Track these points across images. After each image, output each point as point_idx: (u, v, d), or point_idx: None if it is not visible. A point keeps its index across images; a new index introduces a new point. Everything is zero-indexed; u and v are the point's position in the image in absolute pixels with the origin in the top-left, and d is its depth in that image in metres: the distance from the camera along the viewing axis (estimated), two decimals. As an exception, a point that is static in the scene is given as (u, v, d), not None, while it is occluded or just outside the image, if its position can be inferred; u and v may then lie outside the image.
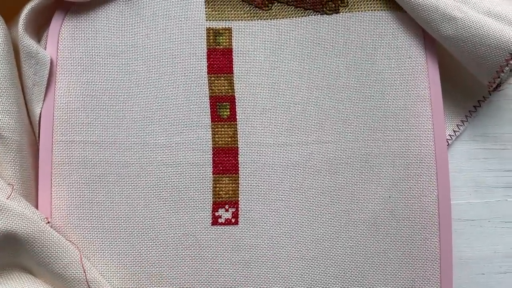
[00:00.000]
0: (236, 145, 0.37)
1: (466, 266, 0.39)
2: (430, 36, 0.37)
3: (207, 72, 0.37)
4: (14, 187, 0.33)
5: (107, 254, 0.35)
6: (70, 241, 0.34)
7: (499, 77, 0.35)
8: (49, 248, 0.32)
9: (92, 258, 0.35)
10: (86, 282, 0.32)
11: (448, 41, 0.36)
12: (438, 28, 0.35)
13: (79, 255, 0.33)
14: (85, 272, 0.33)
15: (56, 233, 0.33)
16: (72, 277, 0.32)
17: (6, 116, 0.34)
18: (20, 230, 0.31)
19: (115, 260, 0.35)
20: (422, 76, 0.37)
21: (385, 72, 0.37)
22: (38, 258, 0.32)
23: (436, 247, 0.36)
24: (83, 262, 0.33)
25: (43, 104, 0.36)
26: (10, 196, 0.32)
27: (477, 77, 0.37)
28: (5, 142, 0.34)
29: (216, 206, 0.36)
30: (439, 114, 0.37)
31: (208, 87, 0.37)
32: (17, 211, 0.32)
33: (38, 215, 0.33)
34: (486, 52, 0.35)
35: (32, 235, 0.32)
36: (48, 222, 0.34)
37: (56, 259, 0.32)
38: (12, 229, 0.31)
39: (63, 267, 0.32)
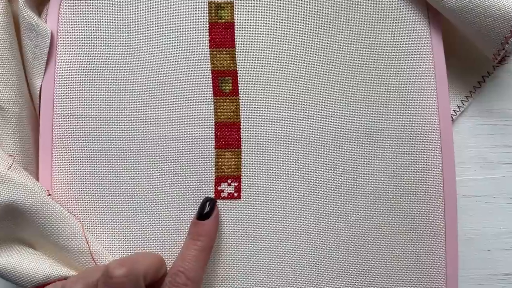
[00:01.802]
0: (239, 119, 0.36)
1: (471, 242, 0.38)
2: (434, 10, 0.37)
3: (209, 46, 0.37)
4: (15, 158, 0.33)
5: (110, 228, 0.35)
6: (72, 214, 0.34)
7: (504, 49, 0.35)
8: (51, 220, 0.32)
9: (94, 232, 0.34)
10: (89, 253, 0.32)
11: (452, 13, 0.35)
12: (442, 0, 0.35)
13: (81, 227, 0.33)
14: (88, 244, 0.32)
15: (58, 205, 0.33)
16: (76, 248, 0.32)
17: (6, 87, 0.33)
18: (22, 201, 0.31)
19: (118, 234, 0.35)
20: (426, 50, 0.37)
21: (388, 46, 0.37)
22: (40, 229, 0.32)
23: (441, 222, 0.35)
24: (85, 234, 0.33)
25: (43, 77, 0.35)
26: (11, 167, 0.32)
27: (482, 50, 0.37)
28: (5, 114, 0.33)
29: (219, 180, 0.36)
30: (443, 88, 0.36)
31: (210, 61, 0.37)
32: (19, 181, 0.31)
33: (40, 187, 0.33)
34: (491, 23, 0.34)
35: (34, 206, 0.31)
36: (49, 195, 0.34)
37: (59, 231, 0.32)
38: (13, 200, 0.31)
39: (66, 238, 0.32)
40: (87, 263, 0.32)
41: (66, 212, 0.33)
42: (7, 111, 0.33)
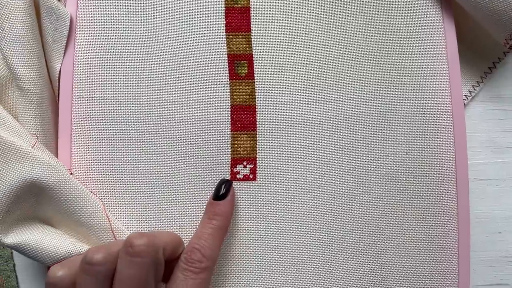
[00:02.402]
0: (254, 102, 0.37)
1: (482, 225, 0.39)
2: (446, -4, 0.37)
3: (225, 30, 0.37)
4: (38, 137, 0.33)
5: (128, 209, 0.35)
6: (93, 193, 0.34)
7: (516, 33, 0.35)
8: (74, 197, 0.32)
9: (113, 212, 0.35)
10: (111, 230, 0.33)
11: (465, -2, 0.36)
12: (455, -15, 0.36)
13: (102, 206, 0.33)
14: (109, 221, 0.33)
15: (80, 183, 0.33)
16: (98, 225, 0.33)
17: (27, 69, 0.34)
18: (46, 179, 0.32)
19: (135, 215, 0.35)
20: (439, 35, 0.37)
21: (402, 31, 0.37)
22: (63, 207, 0.32)
23: (454, 203, 0.36)
24: (106, 212, 0.33)
25: (62, 60, 0.36)
26: (35, 146, 0.33)
27: (493, 35, 0.37)
28: (26, 94, 0.34)
29: (235, 162, 0.36)
30: (455, 73, 0.37)
31: (226, 45, 0.37)
32: (43, 160, 0.32)
33: (62, 166, 0.34)
34: (503, 8, 0.35)
35: (58, 183, 0.32)
36: (71, 174, 0.34)
37: (82, 208, 0.32)
38: (38, 177, 0.31)
39: (88, 215, 0.32)
40: (108, 239, 0.33)
41: (87, 190, 0.33)
42: (29, 92, 0.34)
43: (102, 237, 0.33)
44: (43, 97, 0.35)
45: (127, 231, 0.34)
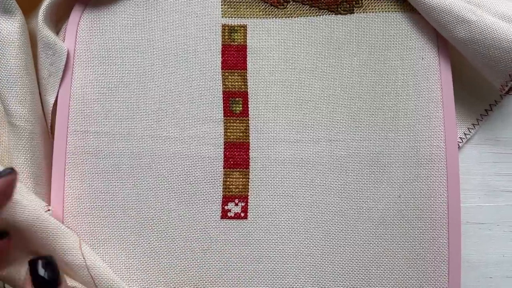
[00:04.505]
0: (248, 140, 0.37)
1: (473, 269, 0.38)
2: (443, 39, 0.37)
3: (221, 67, 0.38)
4: (26, 171, 0.34)
5: (117, 243, 0.35)
6: (70, 228, 0.35)
7: (511, 80, 0.35)
8: (48, 235, 0.33)
9: (102, 245, 0.35)
10: (86, 267, 0.33)
11: (462, 43, 0.36)
12: (452, 30, 0.36)
13: (78, 242, 0.34)
14: (84, 258, 0.33)
15: (55, 220, 0.34)
16: (72, 262, 0.33)
17: (19, 106, 0.34)
18: (20, 219, 0.32)
19: (125, 250, 0.35)
20: (435, 78, 0.37)
21: (397, 73, 0.37)
22: (41, 244, 0.33)
23: (445, 249, 0.36)
24: (82, 249, 0.34)
25: (57, 94, 0.36)
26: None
27: (490, 80, 0.37)
28: (17, 130, 0.34)
29: (226, 200, 0.36)
30: (450, 116, 0.37)
31: (222, 82, 0.37)
32: (18, 200, 0.32)
33: (38, 203, 0.34)
34: (499, 55, 0.35)
35: (31, 223, 0.32)
36: (48, 210, 0.34)
37: (56, 245, 0.33)
38: (14, 218, 0.32)
39: (63, 252, 0.33)
40: (85, 276, 0.33)
41: (63, 227, 0.34)
42: (19, 128, 0.34)
43: (80, 273, 0.33)
44: (34, 132, 0.35)
45: (104, 266, 0.34)
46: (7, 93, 0.34)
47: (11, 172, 0.28)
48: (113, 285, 0.33)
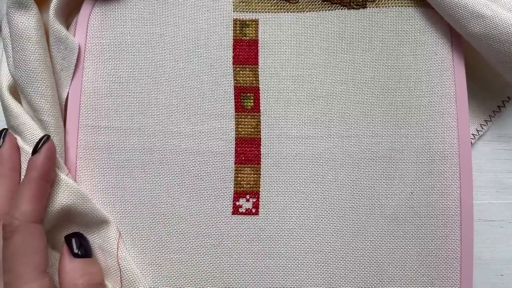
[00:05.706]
0: (259, 136, 0.37)
1: (484, 266, 0.38)
2: (457, 34, 0.37)
3: (233, 62, 0.37)
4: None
5: (128, 239, 0.35)
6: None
7: (526, 77, 0.35)
8: (94, 222, 0.35)
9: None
10: (116, 257, 0.34)
11: (476, 38, 0.35)
12: (466, 25, 0.35)
13: (118, 233, 0.35)
14: (117, 249, 0.35)
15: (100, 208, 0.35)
16: (106, 249, 0.34)
17: (42, 100, 0.34)
18: (77, 205, 0.34)
19: (136, 246, 0.35)
20: (448, 74, 0.37)
21: (410, 68, 0.37)
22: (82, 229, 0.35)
23: (457, 246, 0.36)
24: (119, 242, 0.35)
25: (69, 88, 0.36)
26: (68, 174, 0.35)
27: (503, 76, 0.37)
28: (43, 125, 0.34)
29: (237, 195, 0.36)
30: (464, 113, 0.37)
31: (233, 77, 0.37)
32: (75, 188, 0.34)
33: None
34: (514, 51, 0.34)
35: (85, 211, 0.34)
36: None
37: (99, 231, 0.35)
38: (71, 203, 0.33)
39: (102, 239, 0.35)
40: (110, 266, 0.34)
41: (110, 217, 0.35)
42: (45, 123, 0.34)
43: (109, 261, 0.34)
44: (58, 126, 0.35)
45: (132, 262, 0.35)
46: (29, 89, 0.34)
47: (48, 137, 0.33)
48: (136, 280, 0.34)
